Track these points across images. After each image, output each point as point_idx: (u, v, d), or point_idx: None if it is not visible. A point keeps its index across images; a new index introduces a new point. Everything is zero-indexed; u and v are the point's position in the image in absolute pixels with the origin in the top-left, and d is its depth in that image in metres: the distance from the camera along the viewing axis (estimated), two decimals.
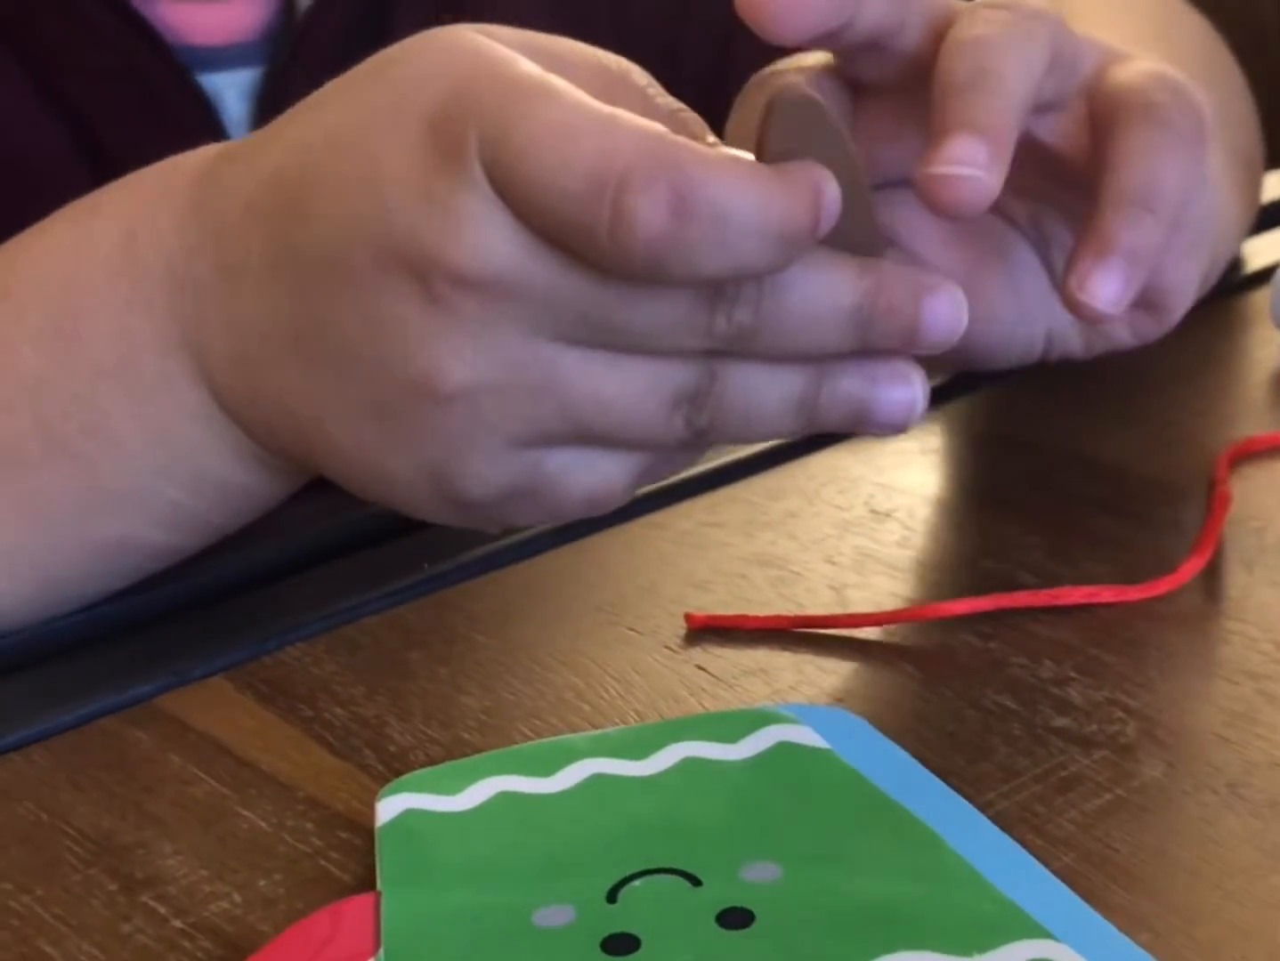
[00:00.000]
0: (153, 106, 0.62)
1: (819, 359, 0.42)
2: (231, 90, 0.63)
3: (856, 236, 0.41)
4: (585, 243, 0.39)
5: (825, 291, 0.41)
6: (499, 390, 0.41)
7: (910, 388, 0.42)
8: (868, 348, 0.42)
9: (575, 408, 0.41)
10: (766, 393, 0.42)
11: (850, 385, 0.42)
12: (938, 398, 0.62)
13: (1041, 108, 0.46)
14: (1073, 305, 0.45)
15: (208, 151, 0.46)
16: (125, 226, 0.46)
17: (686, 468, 0.46)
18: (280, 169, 0.43)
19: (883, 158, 0.49)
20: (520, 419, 0.41)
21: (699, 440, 0.42)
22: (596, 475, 0.43)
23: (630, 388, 0.41)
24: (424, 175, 0.40)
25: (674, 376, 0.41)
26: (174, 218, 0.45)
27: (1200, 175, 0.46)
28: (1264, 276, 0.68)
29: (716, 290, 0.40)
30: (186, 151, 0.47)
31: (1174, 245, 0.46)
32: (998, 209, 0.50)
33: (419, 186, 0.40)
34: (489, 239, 0.39)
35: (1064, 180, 0.48)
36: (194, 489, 0.47)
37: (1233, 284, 0.68)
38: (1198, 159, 0.46)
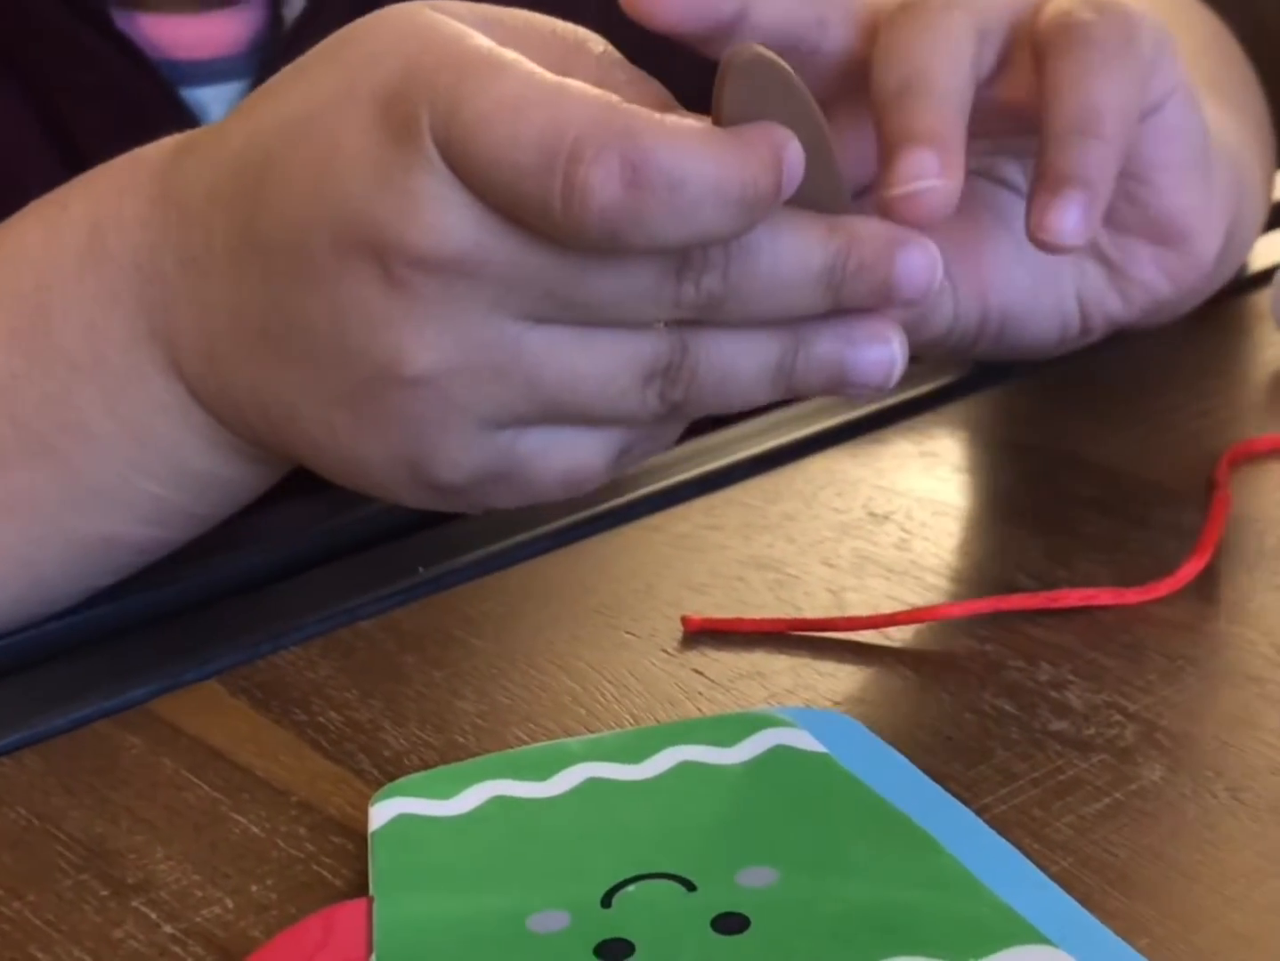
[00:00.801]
0: (137, 122, 0.62)
1: (793, 323, 0.41)
2: (217, 104, 0.63)
3: (823, 194, 0.41)
4: (540, 217, 0.38)
5: (795, 253, 0.40)
6: (465, 371, 0.40)
7: (888, 346, 0.42)
8: (842, 307, 0.41)
9: (544, 386, 0.41)
10: (741, 361, 0.41)
11: (827, 348, 0.42)
12: (937, 400, 0.62)
13: (991, 77, 0.46)
14: (1039, 245, 0.44)
15: (169, 142, 0.46)
16: (91, 221, 0.46)
17: (668, 447, 0.45)
18: (239, 157, 0.43)
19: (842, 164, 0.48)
20: (489, 400, 0.41)
21: (675, 414, 0.42)
22: (572, 455, 0.42)
23: (600, 364, 0.40)
24: (378, 156, 0.39)
25: (644, 350, 0.41)
26: (138, 210, 0.45)
27: (1138, 84, 0.46)
28: (1265, 278, 0.67)
29: (683, 258, 0.39)
30: (148, 144, 0.47)
31: (1167, 165, 0.46)
32: (992, 176, 0.49)
33: (374, 168, 0.39)
34: (446, 218, 0.39)
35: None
36: (174, 482, 0.47)
37: (1234, 285, 0.68)
38: (1132, 70, 0.45)
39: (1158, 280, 0.50)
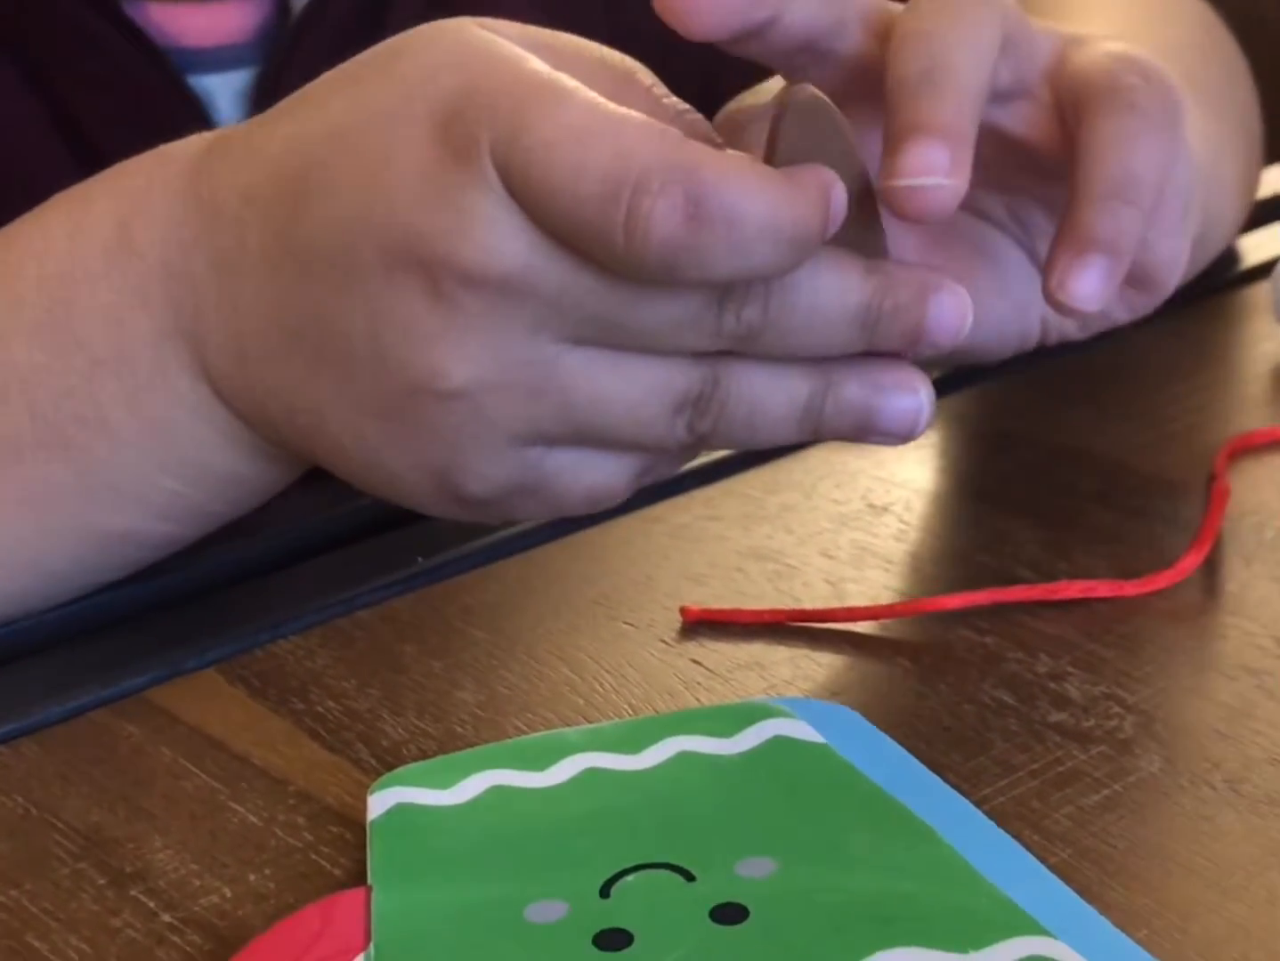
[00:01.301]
0: (144, 109, 0.62)
1: (824, 364, 0.42)
2: (224, 92, 0.63)
3: (862, 237, 0.41)
4: (599, 245, 0.38)
5: (833, 291, 0.41)
6: (501, 389, 0.41)
7: (916, 396, 0.42)
8: (873, 348, 0.41)
9: (577, 408, 0.41)
10: (771, 399, 0.42)
11: (856, 393, 0.42)
12: (935, 393, 0.61)
13: (1001, 96, 0.46)
14: (1054, 304, 0.45)
15: (196, 140, 0.46)
16: (117, 216, 0.46)
17: (686, 464, 0.45)
18: (279, 162, 0.43)
19: None
20: (521, 418, 0.41)
21: (699, 444, 0.42)
22: (597, 474, 0.43)
23: (633, 390, 0.41)
24: (434, 174, 0.40)
25: (677, 379, 0.41)
26: (168, 207, 0.45)
27: (1175, 155, 0.46)
28: (1263, 271, 0.67)
29: (726, 290, 0.40)
30: (174, 142, 0.46)
31: (1157, 222, 0.46)
32: (974, 209, 0.49)
33: (429, 185, 0.40)
34: (500, 239, 0.39)
35: (1037, 170, 0.48)
36: (193, 479, 0.46)
37: (1232, 278, 0.68)
38: (1172, 140, 0.45)
39: (1118, 312, 0.51)
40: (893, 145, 0.42)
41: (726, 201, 0.38)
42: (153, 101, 0.62)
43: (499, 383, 0.40)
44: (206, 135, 0.46)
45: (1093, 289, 0.44)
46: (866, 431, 0.43)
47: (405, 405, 0.41)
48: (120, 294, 0.45)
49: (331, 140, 0.42)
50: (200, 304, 0.44)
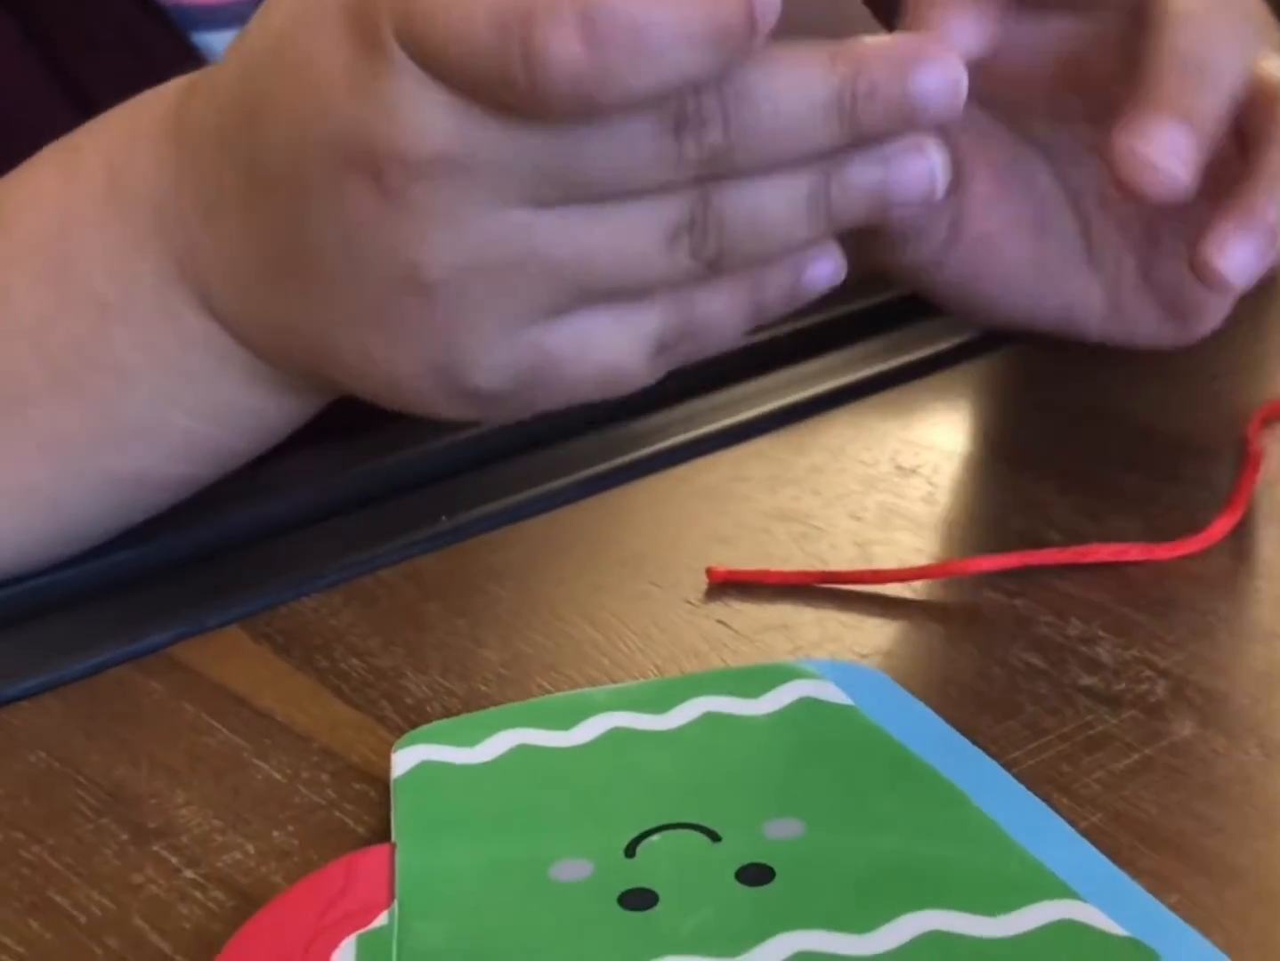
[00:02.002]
0: (145, 66, 0.61)
1: (818, 159, 0.40)
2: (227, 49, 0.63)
3: (824, 17, 0.40)
4: (511, 93, 0.37)
5: (794, 90, 0.39)
6: (480, 269, 0.40)
7: (925, 157, 0.41)
8: (864, 137, 0.40)
9: (563, 270, 0.40)
10: (771, 203, 0.40)
11: (860, 171, 0.40)
12: (965, 355, 0.61)
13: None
14: (1201, 270, 0.44)
15: (174, 85, 0.46)
16: (106, 165, 0.46)
17: (713, 349, 0.43)
18: (234, 92, 0.43)
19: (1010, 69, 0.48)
20: (510, 295, 0.40)
21: (712, 271, 0.41)
22: (606, 348, 0.41)
23: (616, 235, 0.40)
24: (354, 69, 0.39)
25: (662, 212, 0.40)
26: (153, 153, 0.45)
27: None
28: None
29: (676, 116, 0.38)
30: (154, 87, 0.47)
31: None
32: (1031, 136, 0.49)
33: (348, 80, 0.39)
34: (425, 116, 0.38)
35: (1093, 95, 0.47)
36: (208, 416, 0.46)
37: None
38: None
39: (1148, 332, 0.51)
40: (1141, 106, 0.42)
41: (622, 14, 0.36)
42: (154, 59, 0.61)
43: (476, 263, 0.40)
44: (181, 79, 0.46)
45: (1246, 261, 0.44)
46: (883, 205, 0.41)
47: (393, 307, 0.41)
48: (118, 241, 0.45)
49: (270, 57, 0.41)
50: (196, 248, 0.44)
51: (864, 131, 0.40)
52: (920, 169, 0.41)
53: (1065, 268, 0.51)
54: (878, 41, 0.39)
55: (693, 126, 0.38)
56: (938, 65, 0.39)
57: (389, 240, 0.40)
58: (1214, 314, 0.51)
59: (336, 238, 0.41)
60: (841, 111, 0.39)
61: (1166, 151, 0.43)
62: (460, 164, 0.39)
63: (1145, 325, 0.52)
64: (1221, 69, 0.44)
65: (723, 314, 0.42)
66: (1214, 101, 0.44)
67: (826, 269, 0.43)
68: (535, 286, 0.40)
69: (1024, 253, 0.51)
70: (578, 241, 0.40)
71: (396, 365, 0.42)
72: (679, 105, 0.38)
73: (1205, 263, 0.44)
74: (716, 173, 0.39)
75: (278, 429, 0.48)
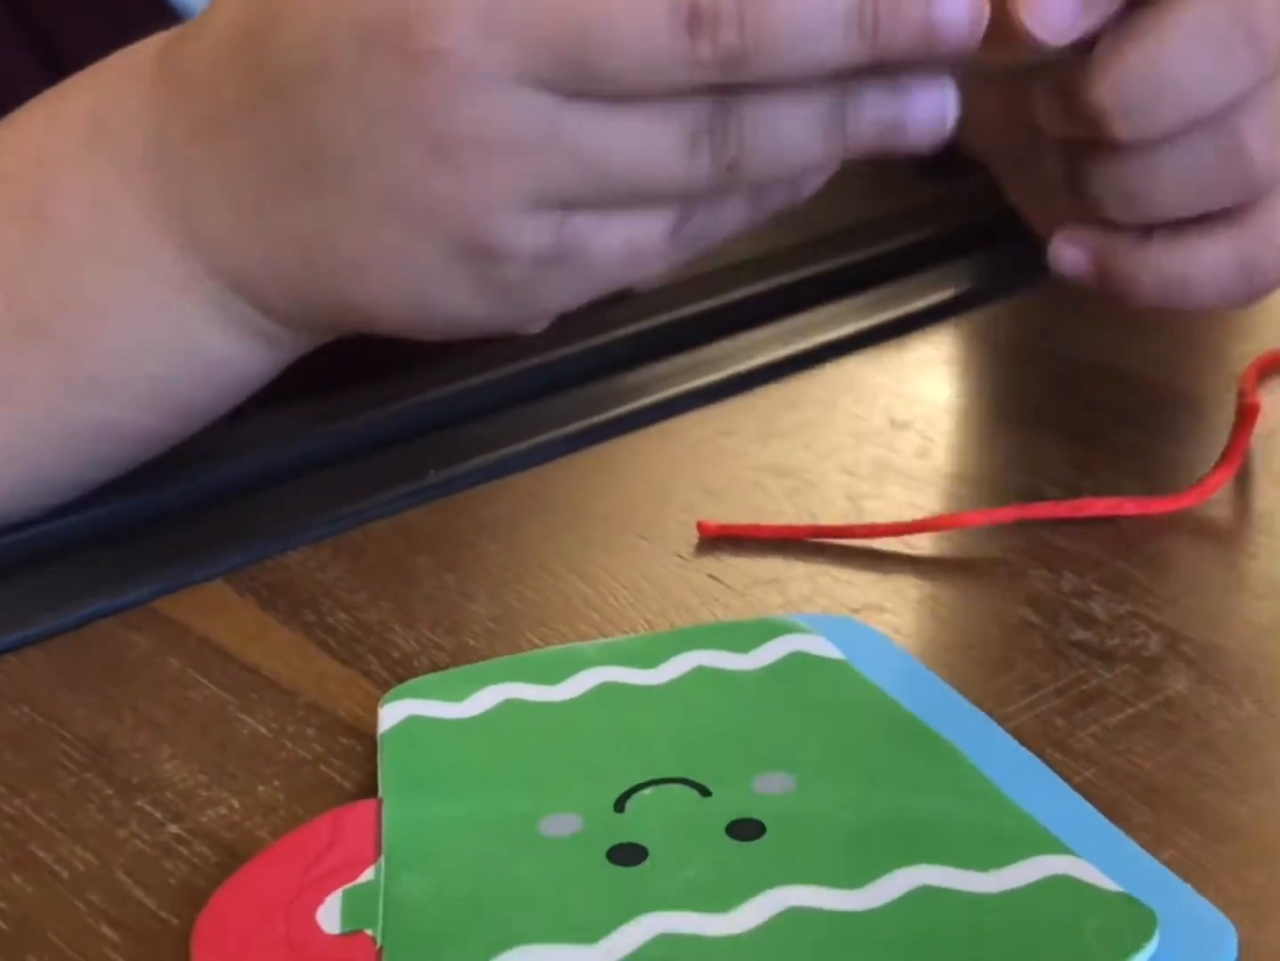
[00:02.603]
0: (122, 27, 0.61)
1: (835, 80, 0.41)
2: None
3: None
4: None
5: None
6: (506, 147, 0.40)
7: (940, 92, 0.41)
8: (881, 57, 0.40)
9: (585, 156, 0.40)
10: (791, 118, 0.41)
11: (876, 98, 0.41)
12: (959, 308, 0.60)
13: None
14: (1018, 30, 0.42)
15: (161, 36, 0.46)
16: (92, 109, 0.46)
17: (733, 232, 0.44)
18: (237, 13, 0.43)
19: None
20: (533, 176, 0.41)
21: (731, 177, 0.41)
22: (629, 229, 0.42)
23: (639, 129, 0.40)
24: None
25: (684, 114, 0.40)
26: (139, 94, 0.45)
27: None
28: None
29: (689, 14, 0.39)
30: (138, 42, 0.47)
31: None
32: None
33: None
34: None
35: None
36: (176, 365, 0.46)
37: None
38: None
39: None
40: None
41: None
42: (132, 19, 0.61)
43: (503, 140, 0.40)
44: (167, 32, 0.46)
45: (1063, 14, 0.42)
46: (896, 133, 0.41)
47: (418, 188, 0.41)
48: (100, 178, 0.45)
49: None
50: (184, 174, 0.44)
51: (882, 51, 0.40)
52: (934, 103, 0.41)
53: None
54: None
55: (707, 25, 0.39)
56: None
57: (415, 110, 0.40)
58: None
59: (360, 123, 0.41)
60: (861, 25, 0.39)
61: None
62: (487, 39, 0.39)
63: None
64: None
65: (732, 207, 0.43)
66: None
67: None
68: (557, 170, 0.41)
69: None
70: (600, 129, 0.40)
71: (416, 256, 0.42)
72: (692, 3, 0.39)
73: (1019, 26, 0.42)
74: (735, 81, 0.40)
75: (247, 382, 0.47)
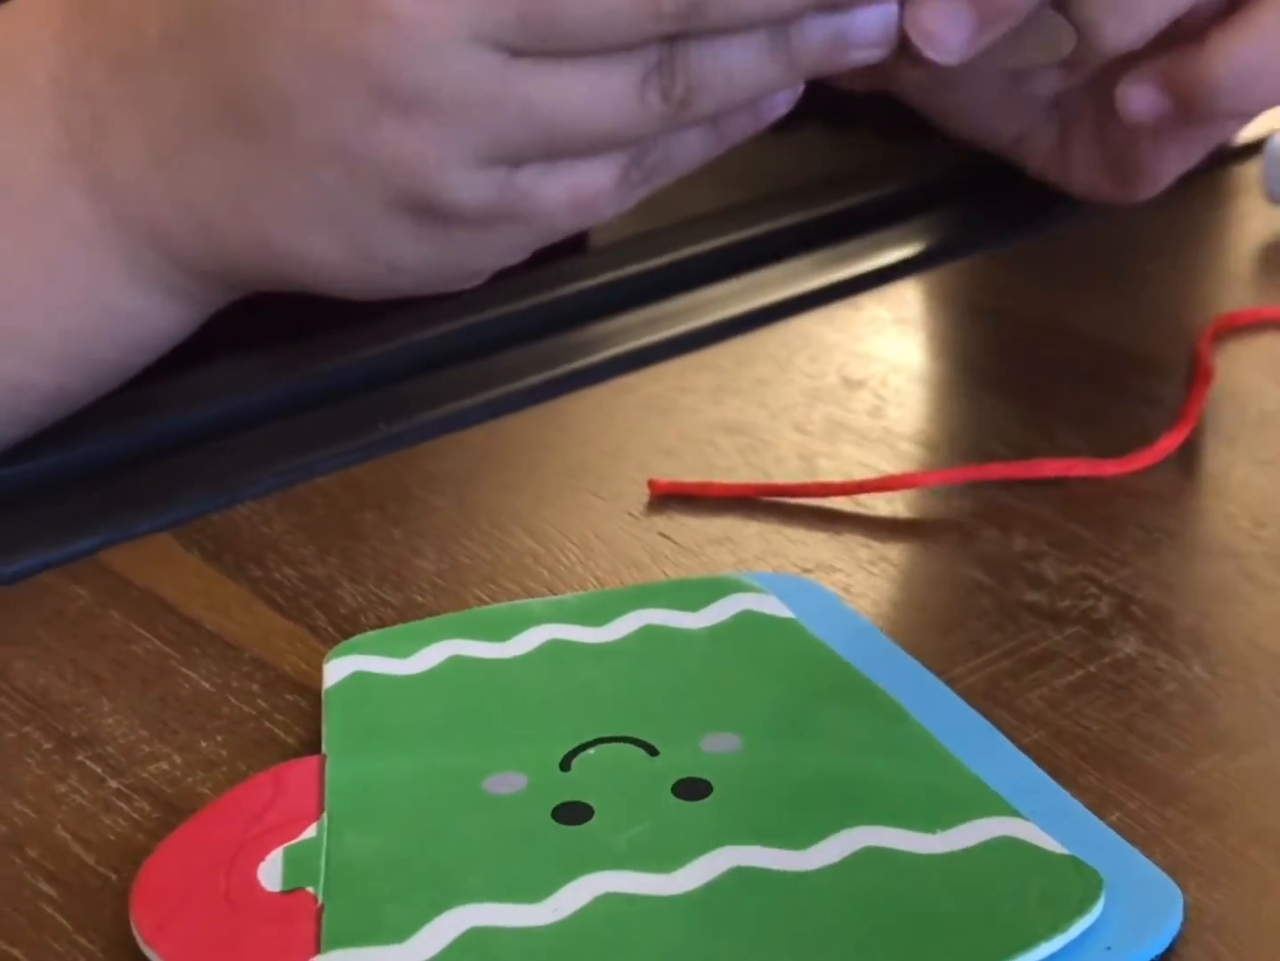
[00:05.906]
0: None
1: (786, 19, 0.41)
2: None
3: None
4: None
5: None
6: (457, 101, 0.40)
7: (883, 5, 0.42)
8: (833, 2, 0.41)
9: (537, 111, 0.40)
10: (736, 45, 0.41)
11: (817, 20, 0.41)
12: (914, 267, 0.60)
13: None
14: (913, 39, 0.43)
15: None
16: (2, 54, 0.44)
17: (682, 171, 0.44)
18: None
19: None
20: (484, 131, 0.40)
21: (684, 114, 0.41)
22: (574, 174, 0.42)
23: (591, 80, 0.40)
24: None
25: (635, 58, 0.40)
26: (51, 30, 0.44)
27: None
28: (1253, 149, 0.66)
29: None
30: None
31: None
32: None
33: None
34: None
35: None
36: (85, 319, 0.45)
37: (1221, 156, 0.67)
38: None
39: (1082, 185, 0.53)
40: None
41: None
42: None
43: (453, 98, 0.40)
44: None
45: (955, 37, 0.43)
46: (843, 49, 0.42)
47: (363, 137, 0.40)
48: (8, 125, 0.44)
49: None
50: (99, 114, 0.43)
51: None
52: (877, 18, 0.42)
53: (1029, 99, 0.53)
54: None
55: None
56: None
57: (363, 63, 0.40)
58: (1156, 181, 0.52)
59: (303, 67, 0.40)
60: None
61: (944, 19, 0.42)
62: None
63: (1085, 174, 0.54)
64: None
65: (690, 141, 0.43)
66: None
67: (784, 97, 0.43)
68: (508, 125, 0.40)
69: (993, 75, 0.52)
70: (553, 84, 0.40)
71: (358, 205, 0.42)
72: None
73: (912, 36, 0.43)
74: (690, 29, 0.40)
75: (158, 338, 0.46)
